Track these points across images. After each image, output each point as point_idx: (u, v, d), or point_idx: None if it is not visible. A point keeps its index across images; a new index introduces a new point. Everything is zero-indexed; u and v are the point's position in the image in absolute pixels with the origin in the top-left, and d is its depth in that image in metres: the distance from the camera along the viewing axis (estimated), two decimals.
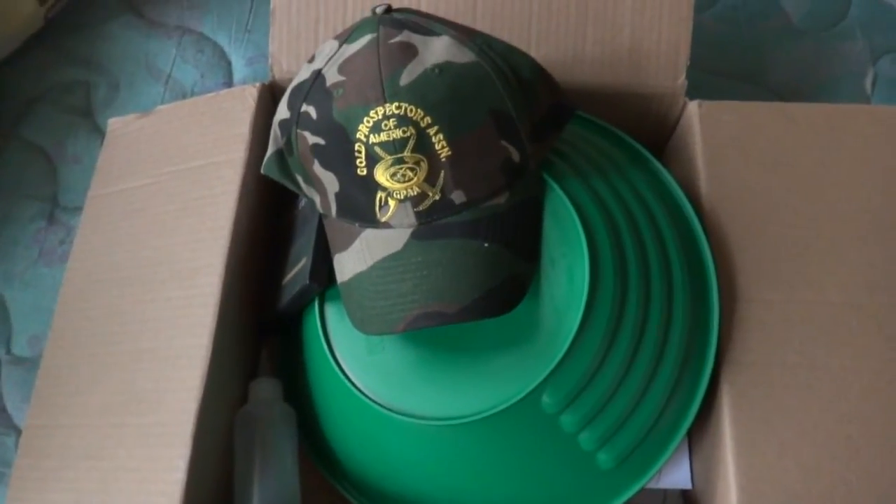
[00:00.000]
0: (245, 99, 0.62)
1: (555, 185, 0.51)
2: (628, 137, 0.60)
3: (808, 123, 0.58)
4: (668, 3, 0.60)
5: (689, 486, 0.54)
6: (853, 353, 0.50)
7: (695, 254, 0.54)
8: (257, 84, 0.62)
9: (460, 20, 0.60)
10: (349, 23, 0.61)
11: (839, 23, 0.81)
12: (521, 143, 0.49)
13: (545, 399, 0.48)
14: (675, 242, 0.53)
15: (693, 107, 0.59)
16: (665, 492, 0.59)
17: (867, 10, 0.81)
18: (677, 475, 0.54)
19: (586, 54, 0.60)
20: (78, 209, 0.74)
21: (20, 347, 0.71)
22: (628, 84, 0.61)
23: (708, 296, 0.52)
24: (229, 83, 0.81)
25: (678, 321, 0.51)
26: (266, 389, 0.58)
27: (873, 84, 0.77)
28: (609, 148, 0.58)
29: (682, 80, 0.60)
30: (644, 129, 0.63)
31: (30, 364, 0.69)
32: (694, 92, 0.60)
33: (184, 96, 0.80)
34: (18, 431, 0.66)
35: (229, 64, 0.82)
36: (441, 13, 0.60)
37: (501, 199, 0.49)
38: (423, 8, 0.61)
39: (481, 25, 0.60)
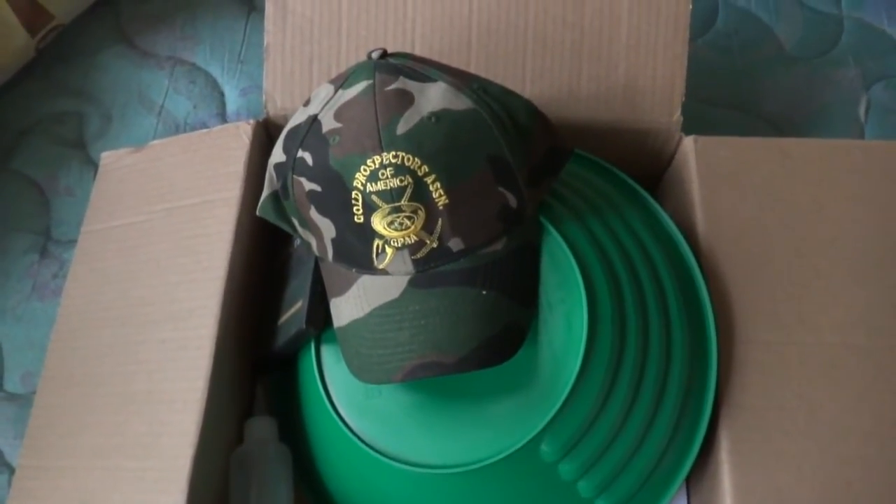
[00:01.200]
0: (239, 136, 0.62)
1: (552, 230, 0.51)
2: (624, 175, 0.60)
3: (803, 159, 0.58)
4: (662, 39, 0.60)
5: None
6: (852, 396, 0.50)
7: (692, 294, 0.54)
8: (251, 121, 0.62)
9: (454, 58, 0.60)
10: (343, 62, 0.61)
11: (831, 49, 0.81)
12: (519, 189, 0.49)
13: (544, 448, 0.47)
14: (672, 283, 0.53)
15: (689, 142, 0.59)
16: None
17: (859, 36, 0.82)
18: None
19: (581, 91, 0.60)
20: (71, 242, 0.74)
21: (13, 384, 0.70)
22: (623, 120, 0.61)
23: (706, 338, 0.52)
24: (222, 114, 0.80)
25: (677, 364, 0.50)
26: (261, 429, 0.57)
27: (867, 111, 0.78)
28: (605, 187, 0.58)
29: (677, 115, 0.60)
30: (639, 163, 0.63)
31: (23, 401, 0.69)
32: (686, 121, 0.60)
33: (176, 127, 0.79)
34: (12, 470, 0.66)
35: (222, 94, 0.81)
36: (435, 51, 0.60)
37: (499, 246, 0.49)
38: (417, 47, 0.60)
39: (476, 62, 0.60)
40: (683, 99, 0.60)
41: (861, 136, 0.77)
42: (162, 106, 0.81)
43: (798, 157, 0.58)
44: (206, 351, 0.54)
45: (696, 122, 0.62)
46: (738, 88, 0.79)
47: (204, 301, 0.56)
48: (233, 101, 0.81)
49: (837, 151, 0.58)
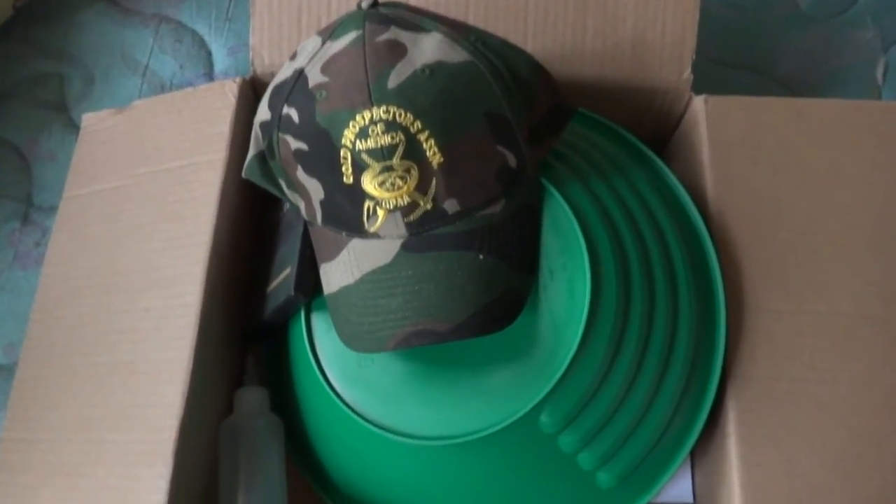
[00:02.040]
0: (225, 95, 0.59)
1: (554, 191, 0.48)
2: (630, 135, 0.58)
3: (819, 120, 0.55)
4: None
5: (690, 501, 0.52)
6: (866, 367, 0.48)
7: (700, 262, 0.51)
8: (237, 79, 0.59)
9: (452, 12, 0.57)
10: (334, 13, 0.58)
11: (849, 9, 0.78)
12: (518, 148, 0.46)
13: (543, 419, 0.45)
14: (679, 249, 0.51)
15: (699, 102, 0.56)
16: None
17: None
18: (679, 490, 0.52)
19: (586, 47, 0.57)
20: (54, 209, 0.71)
21: None
22: (630, 78, 0.58)
23: (714, 306, 0.50)
24: (210, 74, 0.77)
25: (683, 334, 0.48)
26: (251, 399, 0.56)
27: (885, 73, 0.75)
28: (610, 147, 0.56)
29: (687, 73, 0.58)
30: (647, 124, 0.61)
31: (6, 372, 0.67)
32: (696, 82, 0.58)
33: (162, 88, 0.77)
34: None
35: (209, 54, 0.78)
36: (431, 3, 0.57)
37: (497, 208, 0.47)
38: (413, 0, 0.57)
39: (474, 17, 0.57)
40: (694, 56, 0.57)
41: (878, 99, 0.74)
42: (146, 66, 0.78)
43: (814, 118, 0.55)
44: (191, 320, 0.52)
45: (706, 82, 0.59)
46: (751, 49, 0.76)
47: (188, 268, 0.54)
48: (220, 60, 0.78)
49: (855, 112, 0.56)
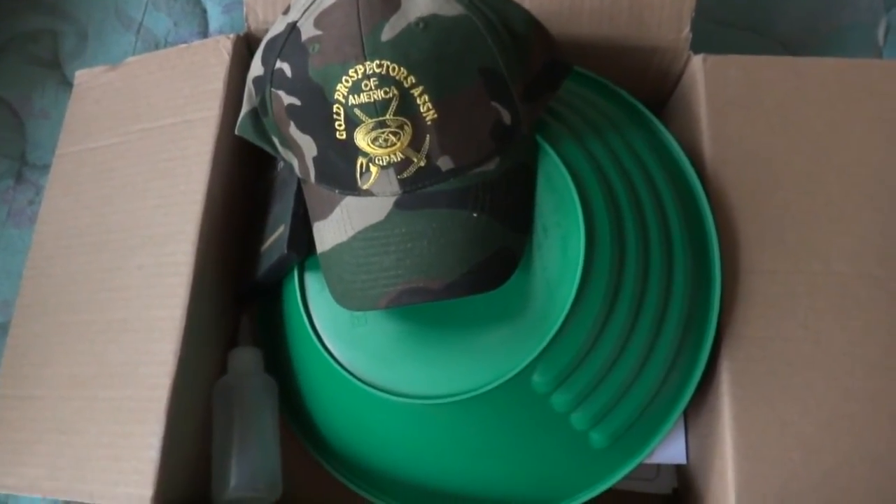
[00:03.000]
0: (219, 51, 0.58)
1: (549, 149, 0.48)
2: (627, 94, 0.57)
3: (818, 79, 0.54)
4: None
5: (683, 461, 0.52)
6: (861, 328, 0.48)
7: (696, 221, 0.51)
8: (232, 35, 0.58)
9: None
10: None
11: None
12: (513, 105, 0.46)
13: (536, 378, 0.45)
14: (675, 209, 0.50)
15: (697, 61, 0.55)
16: (659, 465, 0.57)
17: None
18: (671, 450, 0.52)
19: (584, 5, 0.56)
20: (47, 167, 0.71)
21: None
22: (628, 37, 0.57)
23: (709, 266, 0.50)
24: (205, 32, 0.76)
25: (678, 293, 0.48)
26: (245, 359, 0.56)
27: (885, 34, 0.73)
28: (607, 106, 0.55)
29: (686, 32, 0.57)
30: (644, 84, 0.59)
31: (1, 330, 0.66)
32: (695, 43, 0.57)
33: (156, 46, 0.76)
34: None
35: (204, 11, 0.77)
36: None
37: (492, 165, 0.46)
38: None
39: None
40: (693, 15, 0.56)
41: (879, 58, 0.73)
42: (141, 23, 0.77)
43: (812, 77, 0.54)
44: (184, 278, 0.52)
45: (706, 43, 0.58)
46: (750, 8, 0.75)
47: (181, 226, 0.53)
48: (216, 18, 0.77)
49: (854, 71, 0.55)
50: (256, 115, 0.49)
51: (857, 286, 0.49)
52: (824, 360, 0.47)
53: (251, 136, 0.51)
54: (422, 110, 0.43)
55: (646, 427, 0.48)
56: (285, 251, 0.51)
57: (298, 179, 0.52)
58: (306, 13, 0.45)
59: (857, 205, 0.50)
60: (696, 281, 0.49)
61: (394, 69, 0.42)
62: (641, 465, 0.49)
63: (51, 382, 0.53)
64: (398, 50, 0.42)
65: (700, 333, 0.49)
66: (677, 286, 0.48)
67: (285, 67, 0.45)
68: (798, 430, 0.46)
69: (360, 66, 0.42)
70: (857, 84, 0.54)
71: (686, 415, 0.52)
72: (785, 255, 0.50)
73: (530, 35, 0.47)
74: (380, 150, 0.44)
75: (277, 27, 0.47)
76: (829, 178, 0.51)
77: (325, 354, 0.50)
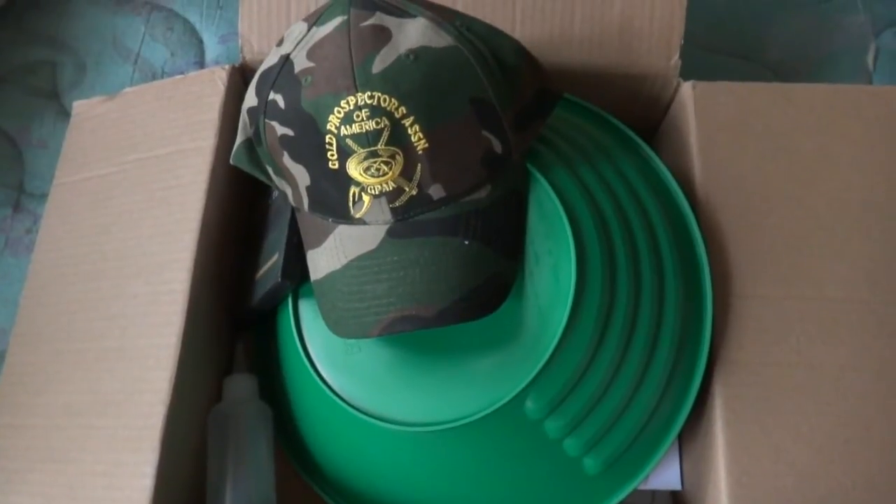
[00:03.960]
0: (214, 82, 0.59)
1: (540, 177, 0.48)
2: (618, 121, 0.57)
3: (807, 106, 0.55)
4: None
5: (678, 487, 0.52)
6: (853, 353, 0.48)
7: (687, 247, 0.51)
8: (227, 66, 0.59)
9: None
10: (322, 0, 0.58)
11: None
12: (504, 133, 0.46)
13: (528, 405, 0.45)
14: (666, 235, 0.50)
15: (687, 88, 0.56)
16: (654, 492, 0.57)
17: None
18: (666, 476, 0.52)
19: (574, 33, 0.57)
20: (45, 196, 0.71)
21: None
22: (618, 64, 0.58)
23: (701, 292, 0.50)
24: (201, 62, 0.77)
25: (669, 320, 0.48)
26: (240, 387, 0.56)
27: (875, 59, 0.74)
28: (597, 133, 0.55)
29: (675, 59, 0.57)
30: (634, 111, 0.60)
31: None
32: (685, 69, 0.57)
33: (153, 76, 0.76)
34: None
35: (201, 42, 0.78)
36: None
37: (483, 193, 0.46)
38: None
39: (463, 3, 0.57)
40: (682, 42, 0.57)
41: (869, 84, 0.73)
42: (138, 54, 0.78)
43: (802, 103, 0.55)
44: (178, 306, 0.52)
45: (695, 69, 0.59)
46: (740, 35, 0.76)
47: (177, 254, 0.54)
48: (212, 48, 0.77)
49: (844, 97, 0.55)
50: (251, 144, 0.50)
51: (849, 311, 0.49)
52: (817, 386, 0.47)
53: (246, 166, 0.51)
54: (413, 140, 0.44)
55: (640, 452, 0.48)
56: (279, 279, 0.51)
57: (292, 208, 0.53)
58: (299, 45, 0.46)
59: (848, 230, 0.51)
60: (688, 306, 0.49)
61: (385, 100, 0.43)
62: (636, 491, 0.49)
63: (45, 411, 0.52)
64: (389, 81, 0.43)
65: (692, 359, 0.49)
66: (669, 311, 0.48)
67: (279, 99, 0.46)
68: (792, 457, 0.46)
69: (352, 98, 0.43)
70: (848, 110, 0.55)
71: (681, 440, 0.53)
72: (776, 280, 0.50)
73: (520, 64, 0.47)
74: (372, 180, 0.45)
75: (271, 59, 0.48)
76: (820, 204, 0.52)
77: (319, 382, 0.50)
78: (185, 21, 0.79)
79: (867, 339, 0.48)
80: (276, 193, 0.58)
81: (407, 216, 0.46)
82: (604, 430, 0.47)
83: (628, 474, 0.49)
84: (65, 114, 0.76)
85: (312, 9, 0.58)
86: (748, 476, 0.46)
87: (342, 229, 0.47)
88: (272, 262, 0.53)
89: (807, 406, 0.47)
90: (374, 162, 0.44)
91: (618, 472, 0.48)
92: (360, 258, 0.46)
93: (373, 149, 0.44)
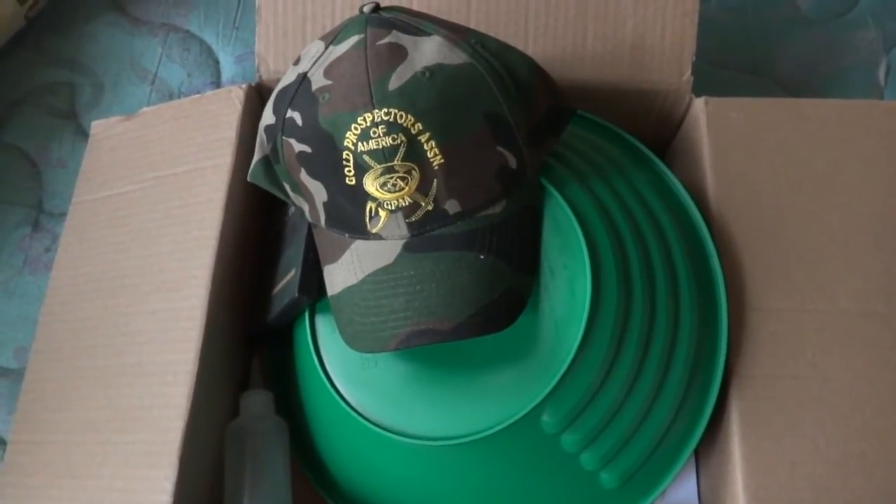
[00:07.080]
0: (231, 101, 0.60)
1: (554, 192, 0.49)
2: (631, 137, 0.58)
3: (819, 120, 0.55)
4: None
5: (695, 502, 0.52)
6: (869, 365, 0.48)
7: (701, 261, 0.51)
8: (244, 85, 0.60)
9: (454, 16, 0.57)
10: (338, 20, 0.59)
11: (850, 11, 0.78)
12: (518, 149, 0.47)
13: (545, 419, 0.45)
14: (680, 249, 0.51)
15: (699, 104, 0.57)
16: None
17: None
18: (683, 492, 0.52)
19: (587, 50, 0.58)
20: (64, 215, 0.72)
21: (6, 359, 0.69)
22: (631, 81, 0.58)
23: (716, 305, 0.50)
24: (217, 82, 0.78)
25: (685, 333, 0.48)
26: (257, 402, 0.56)
27: (886, 75, 0.75)
28: (611, 149, 0.56)
29: (687, 75, 0.58)
30: (647, 127, 0.61)
31: (16, 376, 0.67)
32: (697, 85, 0.58)
33: (170, 96, 0.78)
34: (5, 444, 0.65)
35: (217, 62, 0.79)
36: (433, 9, 0.57)
37: (498, 208, 0.47)
38: (415, 3, 0.58)
39: (475, 21, 0.58)
40: (694, 58, 0.58)
41: (881, 100, 0.73)
42: (155, 74, 0.79)
43: (814, 118, 0.55)
44: (196, 322, 0.52)
45: (707, 85, 0.59)
46: (751, 51, 0.76)
47: (194, 271, 0.54)
48: (228, 68, 0.79)
49: (856, 112, 0.56)
50: (268, 162, 0.51)
51: (864, 324, 0.49)
52: (833, 399, 0.47)
53: (263, 183, 0.52)
54: (429, 155, 0.45)
55: (656, 467, 0.48)
56: (296, 294, 0.52)
57: (309, 224, 0.53)
58: (316, 64, 0.47)
59: (861, 243, 0.51)
60: (703, 320, 0.49)
61: (401, 116, 0.44)
62: None
63: (65, 427, 0.53)
64: (405, 98, 0.44)
65: (708, 372, 0.49)
66: (684, 325, 0.48)
67: (296, 116, 0.46)
68: (808, 470, 0.46)
69: (369, 115, 0.44)
70: (859, 125, 0.55)
71: (697, 456, 0.53)
72: (791, 293, 0.50)
73: (533, 81, 0.48)
74: (388, 195, 0.45)
75: (288, 77, 0.49)
76: (833, 218, 0.52)
77: (336, 396, 0.50)
78: (202, 42, 0.81)
79: (883, 351, 0.48)
80: (292, 210, 0.58)
81: (423, 231, 0.46)
82: (620, 444, 0.47)
83: (645, 489, 0.49)
84: (83, 134, 0.77)
85: (328, 28, 0.59)
86: (765, 490, 0.45)
87: (359, 244, 0.48)
88: (289, 278, 0.54)
89: (823, 419, 0.47)
90: (391, 177, 0.45)
91: (635, 486, 0.48)
92: (376, 273, 0.47)
93: (389, 164, 0.44)
